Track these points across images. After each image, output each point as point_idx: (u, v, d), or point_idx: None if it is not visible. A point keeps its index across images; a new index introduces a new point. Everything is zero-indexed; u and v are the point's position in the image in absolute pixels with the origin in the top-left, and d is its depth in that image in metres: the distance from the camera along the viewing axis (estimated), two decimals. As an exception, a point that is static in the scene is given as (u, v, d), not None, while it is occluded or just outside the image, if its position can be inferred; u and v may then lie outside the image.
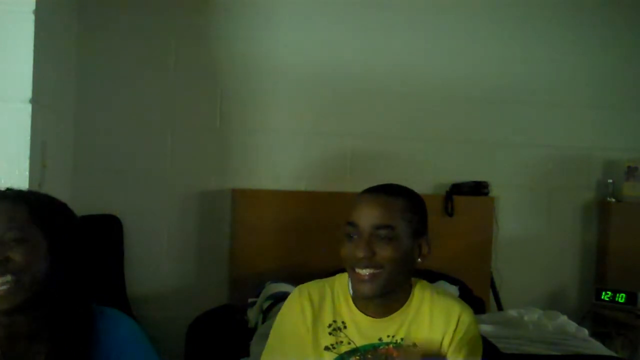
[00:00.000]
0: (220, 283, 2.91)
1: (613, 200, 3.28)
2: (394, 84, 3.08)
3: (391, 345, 1.27)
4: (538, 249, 3.29)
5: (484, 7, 3.20)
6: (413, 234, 1.28)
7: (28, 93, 1.88)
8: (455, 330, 1.31)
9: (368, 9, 3.05)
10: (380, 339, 1.30)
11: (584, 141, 3.36)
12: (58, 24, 2.33)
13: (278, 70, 2.97)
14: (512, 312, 2.80)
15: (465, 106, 3.19)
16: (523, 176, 3.28)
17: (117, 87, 2.80)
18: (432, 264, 1.79)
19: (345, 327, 1.32)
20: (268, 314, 2.39)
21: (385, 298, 1.29)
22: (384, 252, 1.24)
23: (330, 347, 1.31)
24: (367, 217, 1.26)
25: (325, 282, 1.40)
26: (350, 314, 1.33)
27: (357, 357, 1.30)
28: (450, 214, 2.98)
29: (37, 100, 1.92)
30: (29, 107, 1.88)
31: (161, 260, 2.85)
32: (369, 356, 1.29)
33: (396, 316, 1.32)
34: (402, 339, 1.30)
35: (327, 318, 1.34)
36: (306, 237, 2.87)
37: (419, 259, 1.31)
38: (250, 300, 2.60)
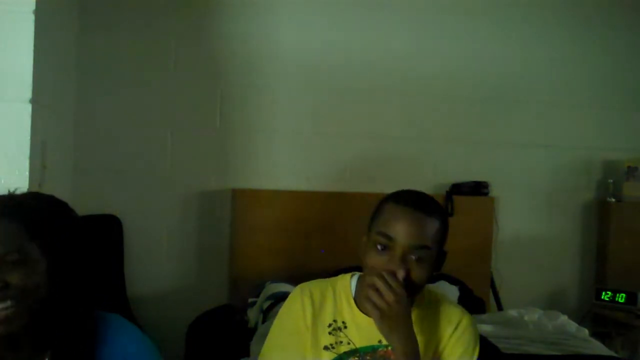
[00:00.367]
0: (220, 283, 2.91)
1: (613, 200, 3.28)
2: (394, 84, 3.09)
3: (390, 348, 1.27)
4: (538, 249, 3.29)
5: (484, 7, 3.21)
6: (439, 252, 1.28)
7: (28, 93, 1.88)
8: (451, 335, 1.32)
9: (368, 9, 3.05)
10: (380, 341, 1.29)
11: (584, 141, 3.36)
12: (58, 24, 2.33)
13: (278, 70, 2.97)
14: (512, 312, 2.80)
15: (465, 106, 3.20)
16: (523, 176, 3.29)
17: (117, 87, 2.80)
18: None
19: (345, 328, 1.32)
20: (268, 314, 2.39)
21: None
22: (417, 272, 1.23)
23: (330, 346, 1.31)
24: (406, 234, 1.22)
25: (328, 282, 1.40)
26: (351, 314, 1.33)
27: (356, 358, 1.30)
28: (450, 214, 2.97)
29: (37, 100, 1.92)
30: (29, 107, 1.87)
31: (161, 260, 2.85)
32: (368, 358, 1.30)
33: None
34: None
35: (328, 317, 1.34)
36: (306, 237, 2.87)
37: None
38: (250, 300, 2.60)
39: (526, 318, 2.72)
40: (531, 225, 3.30)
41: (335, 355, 1.31)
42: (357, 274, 1.39)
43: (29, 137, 1.88)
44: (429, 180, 3.13)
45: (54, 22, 2.22)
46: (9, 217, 1.04)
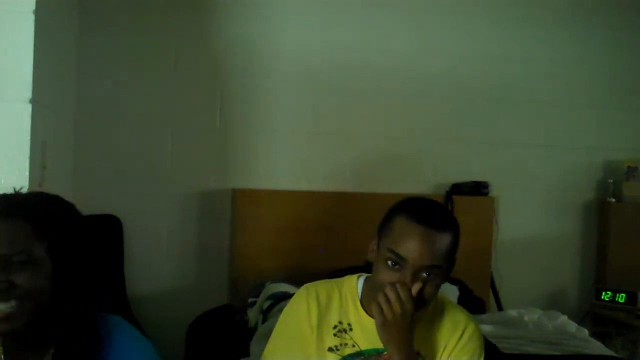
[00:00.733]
0: (220, 283, 2.91)
1: (613, 200, 3.28)
2: (394, 84, 3.09)
3: None
4: (538, 249, 3.29)
5: (484, 7, 3.21)
6: (449, 267, 1.27)
7: (28, 93, 1.88)
8: (458, 341, 1.32)
9: (368, 9, 3.06)
10: None
11: (584, 141, 3.36)
12: (58, 24, 2.33)
13: (278, 70, 2.97)
14: (512, 312, 2.81)
15: (465, 106, 3.20)
16: (523, 176, 3.29)
17: (117, 87, 2.80)
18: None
19: (350, 330, 1.32)
20: (268, 314, 2.38)
21: None
22: (428, 289, 1.22)
23: (334, 348, 1.31)
24: (418, 255, 1.20)
25: (334, 283, 1.39)
26: (357, 316, 1.33)
27: None
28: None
29: (37, 100, 1.91)
30: (29, 107, 1.87)
31: (161, 260, 2.85)
32: None
33: None
34: None
35: (333, 319, 1.33)
36: (306, 237, 2.87)
37: None
38: (250, 300, 2.60)
39: (526, 318, 2.72)
40: (531, 225, 3.30)
41: (340, 357, 1.30)
42: (363, 276, 1.39)
43: (29, 137, 1.88)
44: (429, 180, 3.13)
45: (54, 22, 2.22)
46: (16, 217, 1.03)
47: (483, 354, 1.34)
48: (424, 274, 1.21)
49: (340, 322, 1.33)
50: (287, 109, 2.99)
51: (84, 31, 2.72)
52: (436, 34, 3.15)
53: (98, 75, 2.77)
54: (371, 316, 1.29)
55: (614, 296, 3.06)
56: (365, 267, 1.37)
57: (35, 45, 1.88)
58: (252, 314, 2.51)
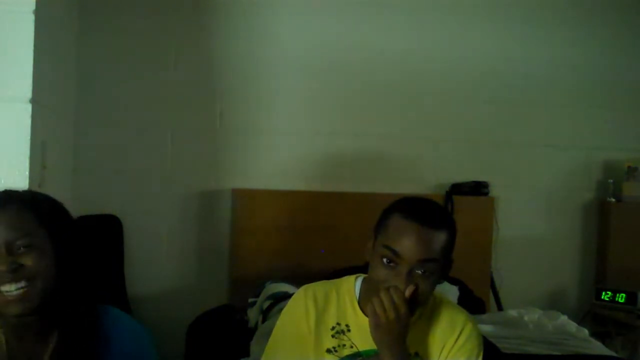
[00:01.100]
0: (220, 283, 2.91)
1: (613, 200, 3.28)
2: (394, 83, 3.08)
3: None
4: (538, 249, 3.29)
5: (484, 6, 3.20)
6: (445, 261, 1.27)
7: (28, 93, 1.88)
8: (455, 341, 1.32)
9: (368, 9, 3.05)
10: None
11: (584, 141, 3.36)
12: (58, 24, 2.33)
13: (278, 70, 2.97)
14: (512, 312, 2.80)
15: (465, 106, 3.19)
16: (523, 176, 3.29)
17: (117, 87, 2.80)
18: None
19: (349, 331, 1.32)
20: (268, 314, 2.39)
21: None
22: (423, 286, 1.22)
23: (332, 349, 1.31)
24: (413, 250, 1.20)
25: (332, 284, 1.39)
26: (355, 317, 1.33)
27: None
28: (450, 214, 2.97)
29: (37, 100, 1.92)
30: (29, 107, 1.88)
31: (161, 260, 2.85)
32: None
33: None
34: None
35: (331, 320, 1.33)
36: (306, 237, 2.87)
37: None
38: (250, 300, 2.60)
39: (526, 318, 2.72)
40: (531, 225, 3.29)
41: (338, 359, 1.30)
42: (361, 276, 1.38)
43: (29, 137, 1.88)
44: (429, 180, 3.13)
45: (54, 22, 2.22)
46: (18, 205, 1.12)
47: (482, 354, 1.34)
48: (419, 271, 1.21)
49: (338, 324, 1.33)
50: (287, 109, 2.99)
51: (84, 31, 2.72)
52: (436, 34, 3.15)
53: (98, 75, 2.77)
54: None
55: (614, 296, 3.06)
56: (364, 268, 1.37)
57: (35, 45, 1.88)
58: (252, 314, 2.51)
